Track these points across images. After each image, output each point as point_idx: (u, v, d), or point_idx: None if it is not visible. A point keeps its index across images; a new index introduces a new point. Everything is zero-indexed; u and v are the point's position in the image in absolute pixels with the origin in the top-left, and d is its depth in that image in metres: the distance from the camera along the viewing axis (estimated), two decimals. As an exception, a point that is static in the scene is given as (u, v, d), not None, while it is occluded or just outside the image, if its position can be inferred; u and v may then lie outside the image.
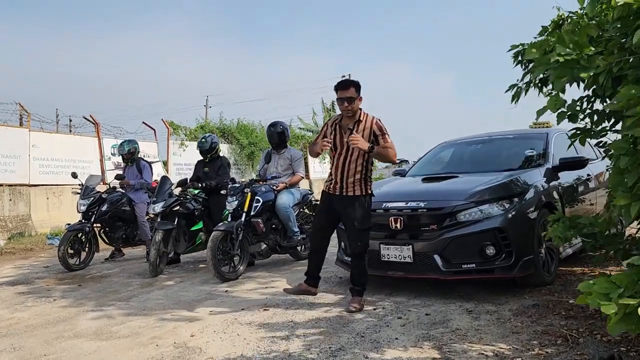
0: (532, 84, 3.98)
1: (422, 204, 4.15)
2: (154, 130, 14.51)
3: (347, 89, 3.88)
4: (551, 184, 4.59)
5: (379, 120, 3.99)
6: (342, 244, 4.75)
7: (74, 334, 3.61)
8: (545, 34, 3.81)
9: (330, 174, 4.09)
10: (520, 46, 4.06)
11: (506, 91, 3.94)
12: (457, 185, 4.44)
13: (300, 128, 27.19)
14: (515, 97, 3.90)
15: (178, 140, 14.86)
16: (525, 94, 3.91)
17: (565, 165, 4.72)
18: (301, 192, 6.21)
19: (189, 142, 15.14)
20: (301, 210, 6.26)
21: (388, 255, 4.18)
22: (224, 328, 3.53)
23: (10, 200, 10.41)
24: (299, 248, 6.21)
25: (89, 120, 12.67)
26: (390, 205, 4.31)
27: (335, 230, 4.87)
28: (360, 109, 3.97)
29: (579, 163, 4.70)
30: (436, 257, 3.98)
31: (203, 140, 6.56)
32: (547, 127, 5.95)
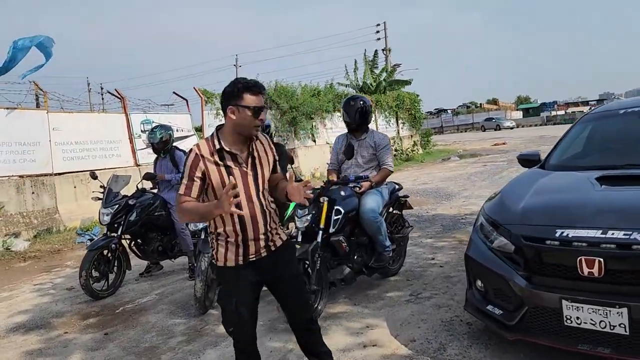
0: None
1: (638, 235, 2.49)
2: (186, 100, 13.03)
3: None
4: None
5: None
6: (478, 282, 3.17)
7: None
8: None
9: None
10: None
11: None
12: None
13: (339, 83, 24.80)
14: None
15: (213, 110, 13.30)
16: None
17: None
18: (388, 189, 4.60)
19: (225, 111, 13.58)
20: (387, 211, 4.67)
21: (579, 319, 2.57)
22: None
23: (33, 193, 9.21)
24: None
25: (113, 95, 11.24)
26: (573, 234, 2.66)
27: (465, 266, 3.31)
28: None
29: None
30: (675, 329, 2.34)
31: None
32: None
